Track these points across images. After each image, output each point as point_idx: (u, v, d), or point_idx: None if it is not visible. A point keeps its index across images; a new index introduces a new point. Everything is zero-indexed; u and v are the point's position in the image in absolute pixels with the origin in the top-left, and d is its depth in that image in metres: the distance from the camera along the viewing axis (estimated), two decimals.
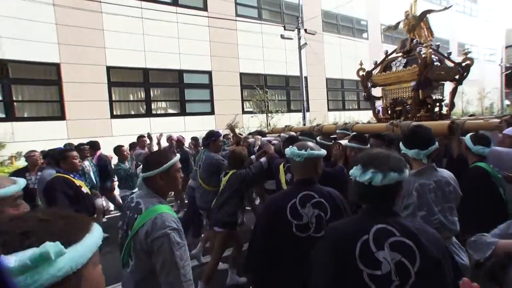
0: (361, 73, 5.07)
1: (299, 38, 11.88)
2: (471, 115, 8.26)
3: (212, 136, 3.79)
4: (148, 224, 1.40)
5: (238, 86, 12.46)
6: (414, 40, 4.71)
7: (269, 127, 12.19)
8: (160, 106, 10.48)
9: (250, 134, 5.46)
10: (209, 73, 11.56)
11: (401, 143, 1.99)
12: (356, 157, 1.27)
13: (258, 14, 13.16)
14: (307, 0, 14.53)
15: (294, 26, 11.77)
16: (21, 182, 1.39)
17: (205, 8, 11.29)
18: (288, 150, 1.76)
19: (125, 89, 9.67)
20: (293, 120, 13.50)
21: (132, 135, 8.55)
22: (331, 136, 4.12)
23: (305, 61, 13.97)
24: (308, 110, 14.17)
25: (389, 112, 4.94)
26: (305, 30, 11.98)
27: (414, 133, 1.99)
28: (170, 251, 1.37)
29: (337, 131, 4.38)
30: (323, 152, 1.78)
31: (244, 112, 12.55)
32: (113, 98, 9.29)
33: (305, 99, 12.38)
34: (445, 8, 5.62)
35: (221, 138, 4.01)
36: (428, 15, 5.54)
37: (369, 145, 2.77)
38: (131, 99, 9.86)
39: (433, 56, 4.52)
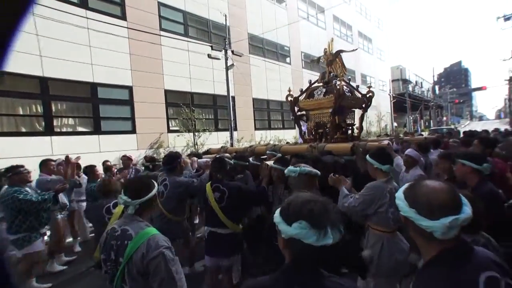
0: (289, 98, 5.51)
1: (226, 59, 11.54)
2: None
3: (177, 158, 3.37)
4: (142, 247, 1.43)
5: (163, 104, 11.37)
6: (331, 74, 5.40)
7: (196, 147, 11.35)
8: (65, 123, 8.64)
9: (188, 155, 5.33)
10: (130, 88, 10.23)
11: (373, 160, 2.42)
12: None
13: (185, 31, 12.44)
14: (234, 22, 14.48)
15: (222, 46, 11.39)
16: None
17: (123, 17, 10.04)
18: (287, 169, 2.22)
19: (13, 100, 7.62)
20: (221, 139, 12.95)
21: (24, 157, 6.75)
22: (262, 157, 4.30)
23: (233, 81, 13.70)
24: (235, 129, 13.81)
25: (313, 133, 5.52)
26: (232, 51, 11.72)
27: (387, 154, 2.50)
28: (167, 268, 1.43)
29: (267, 152, 4.55)
30: (315, 171, 2.14)
31: (169, 131, 11.45)
32: None
33: (232, 118, 11.96)
34: (353, 50, 7.30)
35: (183, 159, 3.63)
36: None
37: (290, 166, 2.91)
38: (21, 113, 7.81)
39: (345, 87, 5.34)
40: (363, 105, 5.71)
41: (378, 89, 29.59)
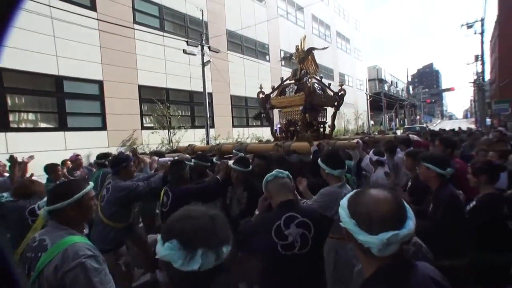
0: (261, 95, 5.42)
1: (203, 55, 11.23)
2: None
3: (123, 162, 3.01)
4: (57, 258, 1.27)
5: (137, 100, 10.92)
6: (303, 71, 5.34)
7: (171, 144, 11.00)
8: (24, 118, 8.03)
9: (148, 154, 5.13)
10: (100, 82, 9.72)
11: (323, 164, 2.29)
12: (166, 225, 0.90)
13: (160, 25, 11.99)
14: (212, 18, 14.15)
15: (198, 42, 11.06)
16: None
17: (93, 8, 9.48)
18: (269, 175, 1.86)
19: None
20: (198, 136, 12.64)
21: None
22: (227, 156, 4.17)
23: (210, 78, 13.40)
24: (212, 127, 13.55)
25: (284, 131, 5.43)
26: (209, 47, 11.42)
27: (338, 157, 2.34)
28: (87, 280, 1.26)
29: (233, 151, 4.38)
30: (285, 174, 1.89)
31: (143, 127, 11.02)
32: None
33: (209, 115, 11.70)
34: (324, 48, 6.81)
35: (132, 163, 3.16)
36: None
37: (250, 167, 2.79)
38: None
39: (316, 85, 5.27)
40: (335, 103, 5.61)
41: (355, 88, 30.21)
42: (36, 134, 8.01)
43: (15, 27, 6.92)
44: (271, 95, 5.52)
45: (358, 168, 3.97)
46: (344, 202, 0.91)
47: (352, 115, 26.26)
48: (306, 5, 21.47)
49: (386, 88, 36.54)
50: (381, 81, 38.72)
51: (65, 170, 4.67)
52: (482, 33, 24.10)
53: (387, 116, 30.72)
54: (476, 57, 29.03)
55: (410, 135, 5.91)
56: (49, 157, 5.26)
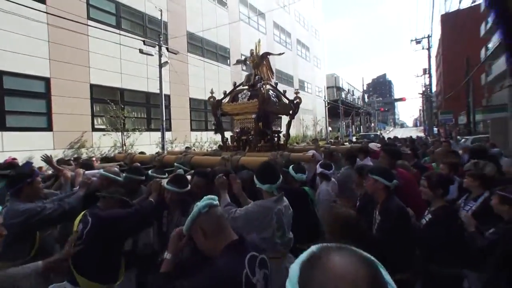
0: (211, 100, 5.16)
1: (160, 55, 11.33)
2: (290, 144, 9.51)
3: (25, 177, 2.33)
4: None
5: (88, 99, 10.64)
6: (257, 77, 5.11)
7: (124, 147, 10.89)
8: None
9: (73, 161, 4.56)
10: (47, 80, 9.37)
11: (255, 177, 2.20)
12: None
13: (117, 23, 11.83)
14: (172, 18, 14.26)
15: (155, 42, 11.15)
16: None
17: (41, 0, 9.14)
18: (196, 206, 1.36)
19: None
20: (153, 139, 12.61)
21: None
22: (166, 169, 3.58)
23: (169, 79, 13.47)
24: (169, 130, 13.59)
25: (236, 141, 5.12)
26: (167, 48, 11.56)
27: (268, 171, 2.21)
28: None
29: (175, 164, 3.84)
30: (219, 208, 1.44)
31: (94, 129, 10.75)
32: None
33: (165, 118, 11.76)
34: (280, 54, 6.58)
35: (39, 178, 2.51)
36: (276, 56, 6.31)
37: (188, 187, 2.44)
38: None
39: (271, 92, 5.07)
40: (291, 112, 5.34)
41: (314, 95, 32.02)
42: None
43: None
44: (223, 100, 5.25)
45: (313, 182, 3.76)
46: (294, 272, 0.60)
47: (311, 121, 27.78)
48: (267, 11, 22.43)
49: (343, 95, 39.19)
50: (339, 89, 41.42)
51: None
52: (429, 49, 26.93)
53: (344, 123, 32.91)
54: (424, 70, 32.65)
55: (371, 144, 5.63)
56: None
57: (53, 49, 9.44)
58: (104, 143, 10.74)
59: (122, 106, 10.91)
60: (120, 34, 11.39)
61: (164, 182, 2.42)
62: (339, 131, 31.41)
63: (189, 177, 2.80)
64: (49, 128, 9.35)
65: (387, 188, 2.19)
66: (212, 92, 5.17)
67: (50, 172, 4.64)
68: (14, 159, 4.98)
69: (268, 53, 5.54)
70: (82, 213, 2.14)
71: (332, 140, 13.69)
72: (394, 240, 1.93)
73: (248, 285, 1.21)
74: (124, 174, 2.91)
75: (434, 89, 35.84)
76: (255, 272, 1.27)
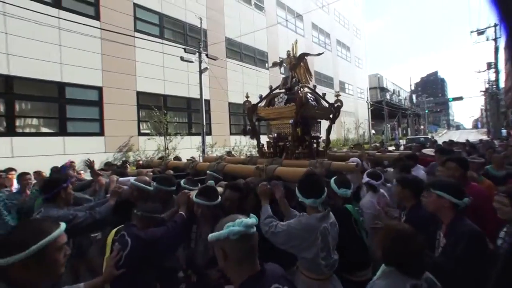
0: (246, 105, 5.03)
1: (200, 62, 11.90)
2: (330, 148, 9.00)
3: (58, 184, 2.38)
4: None
5: (135, 106, 11.53)
6: (294, 79, 4.93)
7: (167, 151, 11.58)
8: (29, 123, 8.65)
9: (103, 169, 4.55)
10: (100, 89, 10.36)
11: (297, 190, 2.05)
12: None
13: (160, 33, 12.71)
14: (211, 26, 14.92)
15: (196, 49, 11.75)
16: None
17: (97, 17, 10.21)
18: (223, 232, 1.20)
19: None
20: (194, 143, 13.23)
21: None
22: (198, 178, 3.49)
23: (208, 85, 14.07)
24: (209, 134, 14.14)
25: (272, 147, 4.93)
26: (206, 55, 12.11)
27: (312, 183, 2.05)
28: None
29: (208, 172, 3.70)
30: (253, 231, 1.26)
31: (140, 133, 11.60)
32: None
33: (205, 122, 12.28)
34: (318, 54, 6.17)
35: (70, 185, 2.53)
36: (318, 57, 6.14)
37: (219, 199, 2.30)
38: None
39: (310, 96, 4.81)
40: (331, 116, 5.04)
41: (356, 97, 31.01)
42: (38, 138, 8.62)
43: (20, 37, 7.63)
44: (259, 104, 5.07)
45: (357, 195, 3.30)
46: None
47: (353, 124, 26.93)
48: (305, 13, 22.35)
49: (388, 96, 37.40)
50: (383, 89, 39.59)
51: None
52: (496, 39, 23.31)
53: (389, 125, 31.37)
54: (489, 65, 28.51)
55: (426, 150, 5.13)
56: (49, 162, 5.69)
57: (105, 61, 10.43)
58: (149, 147, 11.53)
59: (165, 111, 11.64)
60: (163, 44, 12.22)
61: (193, 194, 2.31)
62: (383, 134, 29.99)
63: (220, 189, 2.64)
64: (101, 133, 10.31)
65: (455, 206, 1.84)
66: (247, 96, 5.08)
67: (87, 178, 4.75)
68: (73, 162, 5.24)
69: (305, 54, 5.29)
70: (115, 230, 2.03)
71: (376, 145, 12.30)
72: (467, 267, 1.65)
73: None
74: (154, 184, 2.80)
75: (502, 85, 30.52)
76: None
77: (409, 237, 1.44)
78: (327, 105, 5.10)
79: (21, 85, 8.32)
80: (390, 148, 10.29)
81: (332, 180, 2.56)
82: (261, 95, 5.23)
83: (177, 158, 6.84)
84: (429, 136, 27.15)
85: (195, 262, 2.24)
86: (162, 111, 11.54)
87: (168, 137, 11.65)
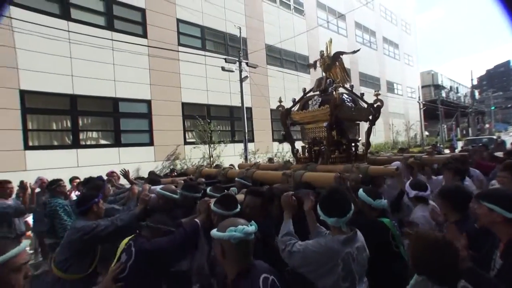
0: (280, 109, 4.95)
1: (241, 71, 12.24)
2: (375, 152, 8.57)
3: (91, 199, 2.57)
4: None
5: (180, 116, 12.22)
6: (329, 80, 4.70)
7: (211, 158, 12.04)
8: (90, 137, 9.68)
9: (139, 178, 4.72)
10: (148, 102, 11.20)
11: (318, 208, 1.83)
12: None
13: (202, 45, 13.37)
14: (251, 34, 15.28)
15: (236, 59, 12.12)
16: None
17: (144, 36, 11.11)
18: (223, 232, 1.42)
19: (45, 117, 8.75)
20: (237, 150, 13.57)
21: (54, 168, 7.78)
22: (228, 186, 3.51)
23: (250, 92, 14.39)
24: (252, 141, 14.39)
25: (307, 152, 4.84)
26: (247, 63, 12.42)
27: (337, 198, 1.82)
28: None
29: (236, 179, 3.71)
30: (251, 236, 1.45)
31: (186, 143, 12.26)
32: (29, 127, 8.30)
33: (248, 130, 12.55)
34: (354, 52, 5.77)
35: (101, 200, 2.72)
36: (357, 55, 6.00)
37: (237, 208, 2.25)
38: (54, 128, 8.94)
39: (346, 96, 4.59)
40: (370, 117, 4.80)
41: (406, 97, 29.17)
42: (97, 150, 9.63)
43: (82, 59, 8.63)
44: (292, 109, 4.99)
45: (399, 204, 2.99)
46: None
47: (402, 126, 25.34)
48: (347, 12, 21.76)
49: (443, 94, 34.54)
50: (438, 87, 36.69)
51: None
52: None
53: (445, 126, 28.89)
54: None
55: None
56: (107, 171, 6.24)
57: (152, 75, 11.27)
58: (195, 155, 12.11)
59: (209, 120, 12.15)
60: (205, 56, 12.82)
61: (213, 202, 2.30)
62: (438, 135, 27.71)
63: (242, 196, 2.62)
64: (151, 143, 11.11)
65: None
66: (280, 101, 5.03)
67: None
68: (113, 172, 5.47)
69: (340, 53, 5.03)
70: (126, 241, 2.09)
71: (428, 148, 11.17)
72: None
73: None
74: (180, 191, 2.93)
75: None
76: None
77: (440, 247, 1.38)
78: (365, 105, 4.83)
79: (83, 102, 9.39)
80: (446, 151, 9.50)
81: (361, 191, 2.37)
82: (295, 98, 5.10)
83: (217, 166, 7.01)
84: (495, 136, 23.68)
85: (216, 270, 2.20)
86: (206, 120, 12.06)
87: (212, 145, 12.11)
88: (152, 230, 2.12)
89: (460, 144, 19.82)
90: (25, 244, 1.17)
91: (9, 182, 4.18)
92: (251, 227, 1.44)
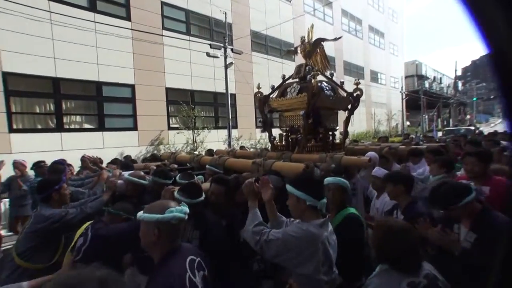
0: (258, 96, 5.01)
1: (225, 57, 12.60)
2: (354, 141, 9.00)
3: (53, 184, 2.53)
4: None
5: (164, 101, 12.53)
6: (308, 67, 4.71)
7: (195, 144, 12.51)
8: (74, 120, 9.94)
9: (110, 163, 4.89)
10: (132, 86, 11.45)
11: (298, 190, 1.76)
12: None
13: (187, 29, 13.56)
14: (236, 19, 15.53)
15: (221, 44, 12.46)
16: None
17: (128, 18, 11.25)
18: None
19: (28, 100, 8.94)
20: (221, 136, 14.06)
21: (38, 151, 8.07)
22: (197, 173, 3.60)
23: (234, 79, 14.78)
24: (235, 127, 14.90)
25: (284, 140, 4.89)
26: (232, 49, 12.78)
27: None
28: None
29: (207, 166, 3.80)
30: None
31: (170, 128, 12.63)
32: (13, 110, 8.50)
33: (231, 116, 13.02)
34: (336, 39, 5.85)
35: (65, 185, 2.68)
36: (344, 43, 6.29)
37: (202, 197, 2.27)
38: (37, 111, 9.16)
39: (325, 84, 4.63)
40: (349, 106, 4.78)
41: (389, 86, 30.26)
42: (81, 134, 9.90)
43: (64, 41, 8.81)
44: (271, 96, 5.01)
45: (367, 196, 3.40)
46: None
47: (384, 116, 26.45)
48: (335, 1, 22.16)
49: (427, 85, 35.93)
50: (421, 77, 38.05)
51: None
52: None
53: (426, 117, 30.26)
54: None
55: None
56: (91, 154, 6.64)
57: (136, 60, 11.48)
58: (178, 140, 12.52)
59: (193, 106, 12.53)
60: (189, 40, 13.07)
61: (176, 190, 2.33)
62: (419, 125, 29.08)
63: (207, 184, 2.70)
64: (134, 128, 11.43)
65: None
66: (258, 87, 5.10)
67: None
68: (21, 162, 5.47)
69: (322, 39, 5.00)
70: (85, 225, 2.14)
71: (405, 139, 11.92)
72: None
73: (191, 286, 1.40)
74: (151, 177, 3.02)
75: None
76: (196, 274, 1.46)
77: (400, 233, 1.42)
78: (345, 94, 4.87)
79: (66, 85, 9.58)
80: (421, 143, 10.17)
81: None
82: (273, 85, 5.16)
83: (210, 151, 7.10)
84: (473, 127, 24.55)
85: None
86: (190, 105, 12.43)
87: (196, 131, 12.54)
88: (112, 216, 2.20)
89: (439, 135, 20.97)
90: None
91: None
92: (186, 208, 1.55)
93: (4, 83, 8.25)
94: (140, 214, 1.48)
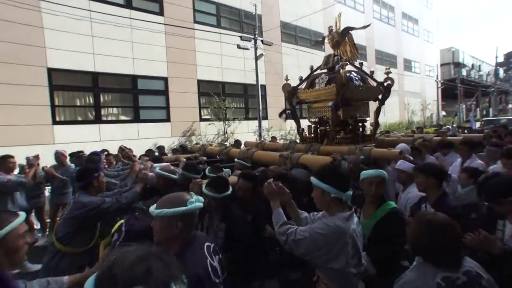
0: (286, 87, 4.81)
1: (256, 48, 12.14)
2: (386, 132, 8.33)
3: (92, 172, 2.56)
4: None
5: (196, 93, 12.40)
6: (336, 57, 4.49)
7: (226, 135, 12.29)
8: (111, 112, 10.07)
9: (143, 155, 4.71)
10: (165, 79, 11.39)
11: (323, 183, 1.67)
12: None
13: (217, 22, 13.25)
14: (266, 11, 14.94)
15: (251, 36, 11.99)
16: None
17: (161, 13, 11.13)
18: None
19: (70, 94, 9.14)
20: (251, 127, 13.74)
21: (79, 142, 8.21)
22: (225, 165, 3.49)
23: (264, 70, 14.30)
24: (266, 118, 14.48)
25: (313, 132, 4.68)
26: (262, 41, 12.28)
27: (341, 175, 1.76)
28: None
29: (236, 159, 3.64)
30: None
31: (201, 119, 12.51)
32: (56, 103, 8.72)
33: (261, 107, 12.63)
34: (365, 27, 5.47)
35: (102, 173, 2.70)
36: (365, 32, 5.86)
37: (229, 191, 2.23)
38: (78, 104, 9.35)
39: (354, 74, 4.36)
40: (379, 97, 4.54)
41: (423, 75, 28.09)
42: (118, 125, 10.02)
43: (102, 38, 8.85)
44: (299, 87, 4.82)
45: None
46: None
47: (418, 106, 24.62)
48: None
49: (464, 73, 32.93)
50: (458, 65, 34.91)
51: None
52: None
53: (463, 106, 27.80)
54: None
55: None
56: (128, 145, 6.55)
57: (169, 53, 11.37)
58: (210, 131, 12.38)
59: (224, 98, 12.27)
60: (220, 33, 12.73)
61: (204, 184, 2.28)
62: (456, 115, 26.81)
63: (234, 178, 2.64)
64: (167, 119, 11.42)
65: None
66: (287, 79, 4.87)
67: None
68: (62, 152, 5.20)
69: (350, 28, 4.78)
70: (120, 223, 2.14)
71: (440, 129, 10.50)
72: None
73: (213, 270, 1.42)
74: (181, 171, 2.97)
75: None
76: (214, 259, 1.47)
77: (439, 227, 1.31)
78: (375, 84, 4.61)
79: (104, 79, 9.70)
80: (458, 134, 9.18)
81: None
82: (301, 76, 4.95)
83: (237, 142, 6.93)
84: None
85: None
86: (221, 97, 12.19)
87: (226, 122, 12.31)
88: (144, 212, 2.18)
89: (477, 125, 19.13)
90: (24, 216, 1.38)
91: (12, 157, 4.15)
92: (201, 197, 1.55)
93: (49, 78, 8.47)
94: (159, 210, 1.39)
